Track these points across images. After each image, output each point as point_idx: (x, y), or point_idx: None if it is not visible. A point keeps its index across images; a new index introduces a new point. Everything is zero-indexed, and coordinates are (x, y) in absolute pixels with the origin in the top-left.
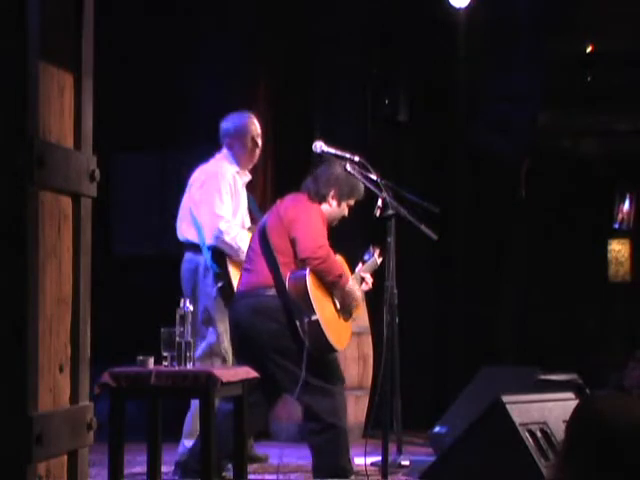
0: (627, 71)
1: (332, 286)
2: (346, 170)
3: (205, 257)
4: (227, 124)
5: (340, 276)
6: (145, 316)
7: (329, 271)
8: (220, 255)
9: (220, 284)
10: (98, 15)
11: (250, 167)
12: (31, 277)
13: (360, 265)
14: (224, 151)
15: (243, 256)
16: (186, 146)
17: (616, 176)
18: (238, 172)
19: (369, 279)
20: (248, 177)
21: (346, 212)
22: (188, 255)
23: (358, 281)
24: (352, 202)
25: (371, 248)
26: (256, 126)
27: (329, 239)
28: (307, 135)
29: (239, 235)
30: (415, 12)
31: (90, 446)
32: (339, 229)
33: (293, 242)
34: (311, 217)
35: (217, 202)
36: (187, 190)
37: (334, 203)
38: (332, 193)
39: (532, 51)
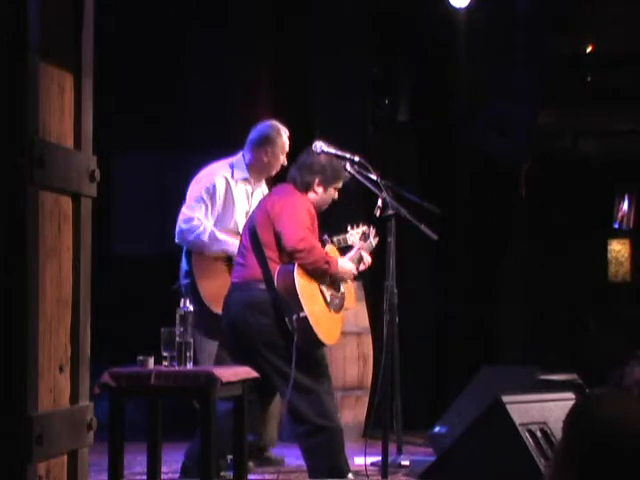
0: (627, 71)
1: (321, 275)
2: (325, 152)
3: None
4: (257, 132)
5: (327, 263)
6: (145, 316)
7: (314, 262)
8: (189, 253)
9: (186, 281)
10: (98, 15)
11: (263, 177)
12: (31, 277)
13: (356, 247)
14: (239, 155)
15: (214, 249)
16: (186, 146)
17: (616, 176)
18: (247, 179)
19: (368, 258)
20: (260, 185)
21: (335, 196)
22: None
23: (354, 260)
24: (339, 185)
25: (366, 229)
26: (286, 138)
27: (322, 227)
28: (307, 135)
29: (204, 232)
30: (415, 12)
31: (90, 446)
32: (339, 229)
33: (278, 236)
34: (295, 210)
35: (191, 202)
36: None
37: (320, 190)
38: (317, 181)
39: (532, 51)
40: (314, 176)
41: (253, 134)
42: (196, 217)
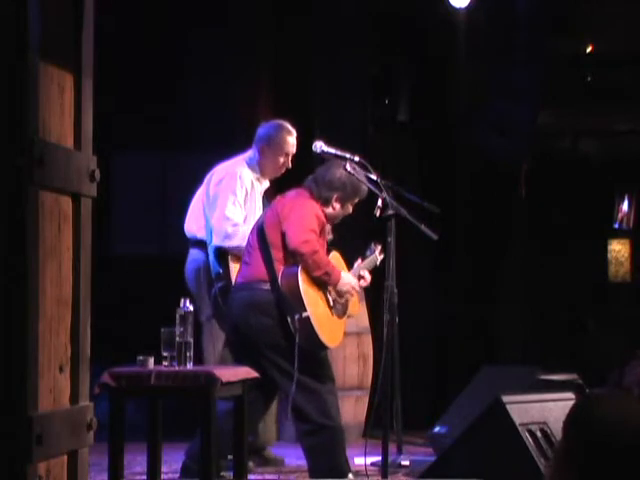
0: (627, 71)
1: (321, 282)
2: (347, 170)
3: (209, 256)
4: (262, 130)
5: (327, 274)
6: (145, 316)
7: (315, 267)
8: (223, 255)
9: (220, 284)
10: (98, 15)
11: (269, 177)
12: (31, 277)
13: (359, 261)
14: (249, 153)
15: None
16: (186, 146)
17: (616, 176)
18: (258, 178)
19: (367, 277)
20: (267, 184)
21: (350, 210)
22: (193, 253)
23: (356, 276)
24: (356, 201)
25: (373, 245)
26: (290, 140)
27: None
28: (307, 135)
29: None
30: (415, 12)
31: (90, 446)
32: (339, 230)
33: (284, 236)
34: (304, 213)
35: (229, 204)
36: (202, 186)
37: (337, 206)
38: (335, 197)
39: (532, 51)
40: (333, 192)
41: (258, 132)
42: (239, 222)
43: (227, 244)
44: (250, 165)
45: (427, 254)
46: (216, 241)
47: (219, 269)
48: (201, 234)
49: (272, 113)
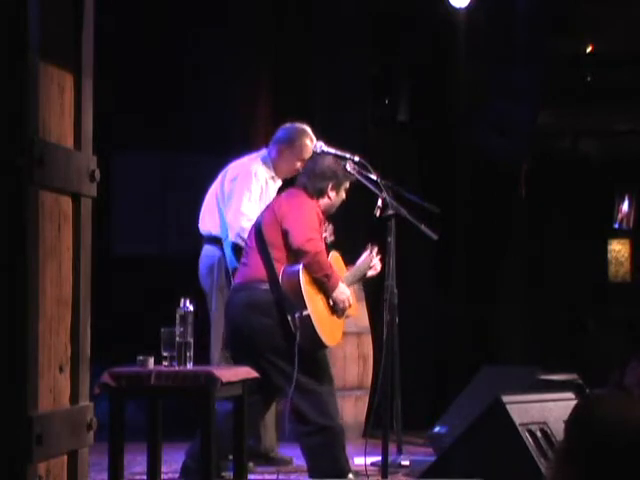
0: (627, 71)
1: (321, 284)
2: (325, 152)
3: (225, 252)
4: (284, 131)
5: (327, 276)
6: (145, 316)
7: (317, 268)
8: (240, 251)
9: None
10: (98, 15)
11: (282, 177)
12: (31, 277)
13: (364, 255)
14: (263, 151)
15: None
16: (186, 146)
17: (616, 176)
18: (273, 177)
19: (377, 265)
20: (280, 183)
21: (344, 196)
22: (207, 249)
23: (355, 277)
24: (347, 185)
25: (369, 247)
26: (310, 146)
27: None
28: None
29: None
30: (415, 12)
31: (90, 446)
32: (339, 230)
33: (285, 235)
34: (304, 211)
35: (245, 201)
36: (215, 182)
37: (333, 194)
38: (330, 186)
39: (532, 51)
40: (327, 182)
41: (278, 132)
42: (254, 218)
43: (240, 238)
44: (265, 163)
45: (427, 254)
46: (232, 237)
47: (236, 264)
48: (216, 231)
49: (272, 113)
